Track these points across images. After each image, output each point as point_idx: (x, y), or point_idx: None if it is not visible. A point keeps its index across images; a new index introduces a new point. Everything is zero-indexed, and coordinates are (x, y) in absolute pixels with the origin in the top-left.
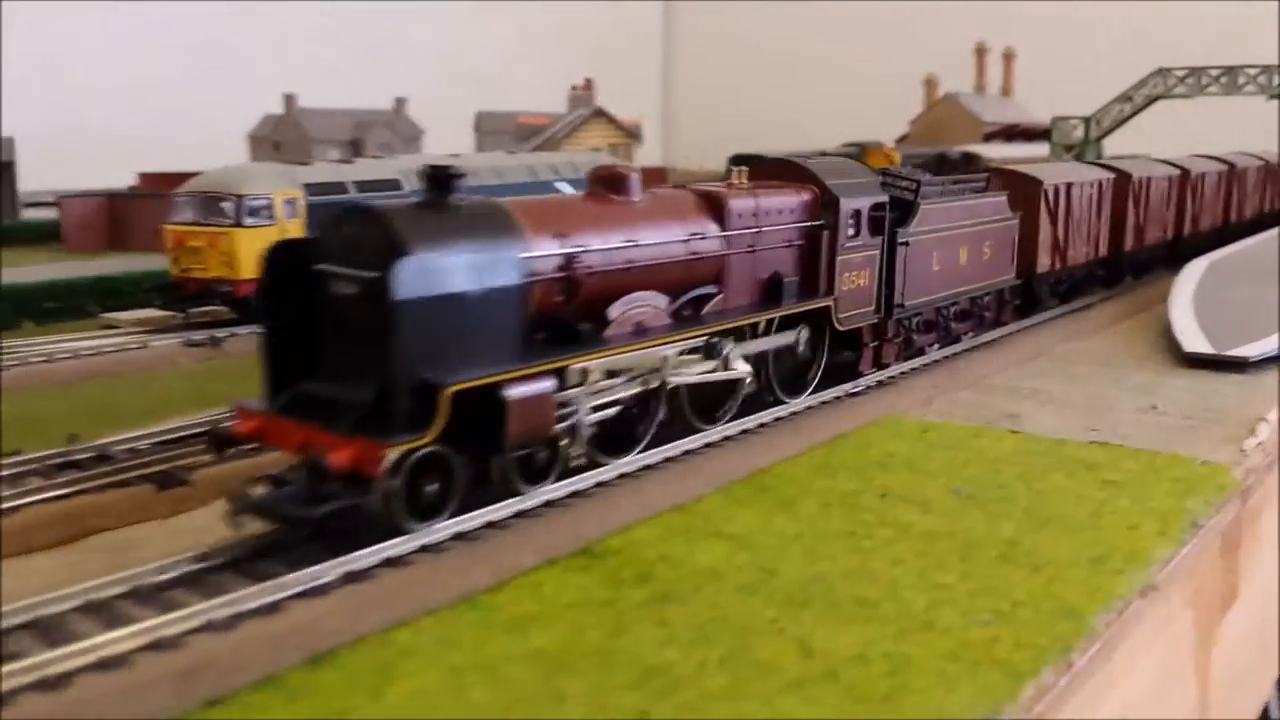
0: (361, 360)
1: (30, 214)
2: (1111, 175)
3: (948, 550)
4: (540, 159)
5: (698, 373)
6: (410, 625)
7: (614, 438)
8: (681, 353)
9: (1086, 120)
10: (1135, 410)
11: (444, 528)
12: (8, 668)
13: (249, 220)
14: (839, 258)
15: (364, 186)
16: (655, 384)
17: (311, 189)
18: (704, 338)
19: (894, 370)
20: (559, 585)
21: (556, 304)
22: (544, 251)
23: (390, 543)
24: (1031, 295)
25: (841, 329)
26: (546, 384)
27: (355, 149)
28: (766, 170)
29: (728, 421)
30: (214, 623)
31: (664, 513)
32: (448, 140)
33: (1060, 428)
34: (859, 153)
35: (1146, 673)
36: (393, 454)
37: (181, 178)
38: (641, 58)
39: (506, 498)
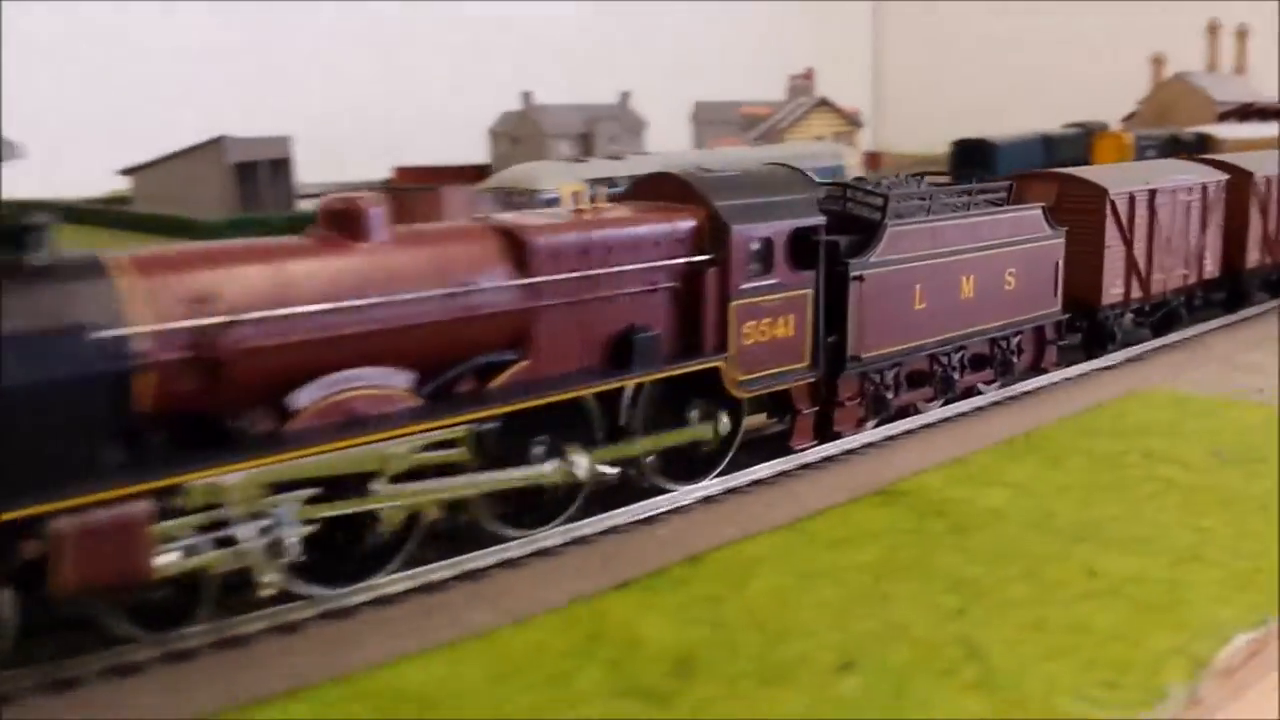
0: None
1: (304, 205)
2: (1222, 176)
3: (1209, 501)
4: (780, 151)
5: (464, 482)
6: (754, 540)
7: (353, 560)
8: (428, 447)
9: None
10: None
11: (769, 466)
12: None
13: None
14: (734, 303)
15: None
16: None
17: (593, 184)
18: (463, 426)
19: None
20: (866, 516)
21: (190, 394)
22: (156, 326)
23: (734, 474)
24: (1099, 331)
25: (744, 395)
26: (133, 509)
27: (586, 142)
28: (651, 188)
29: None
30: (619, 527)
31: (945, 464)
32: (669, 132)
33: None
34: (1083, 134)
35: None
36: None
37: (431, 171)
38: (851, 41)
39: None
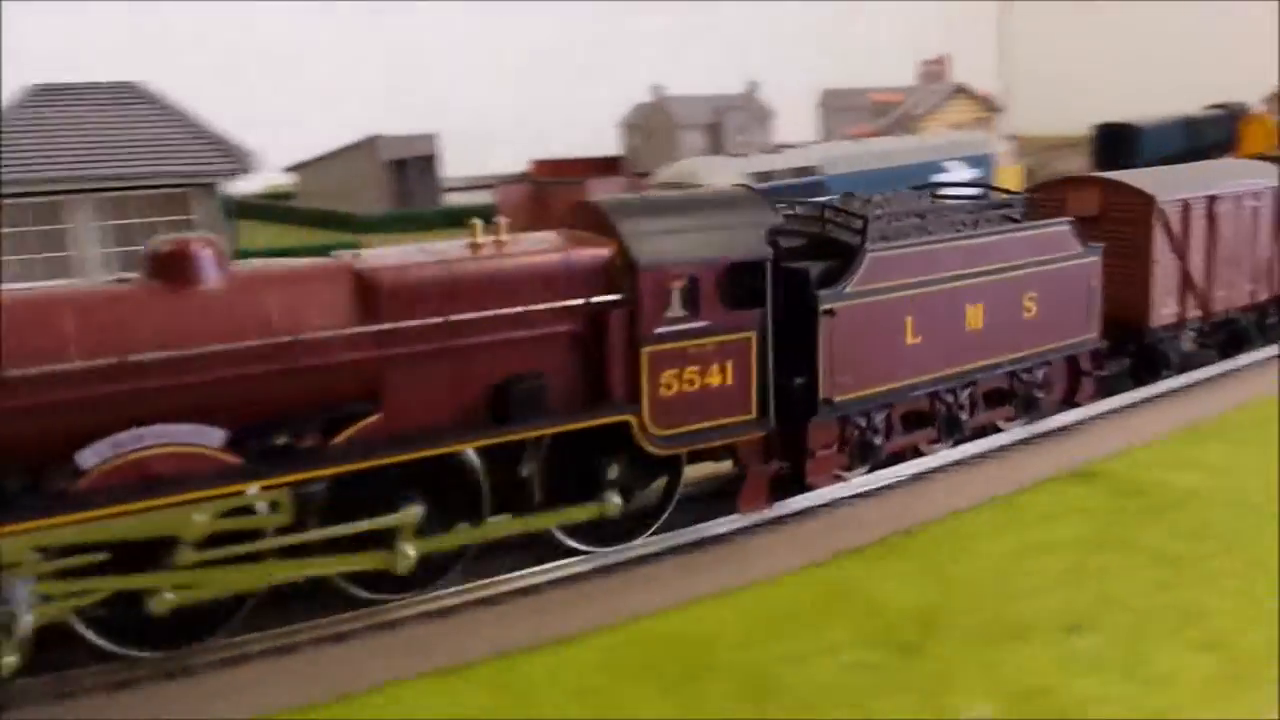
0: None
1: (449, 199)
2: None
3: None
4: (929, 141)
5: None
6: (966, 515)
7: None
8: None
9: None
10: None
11: (974, 445)
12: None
13: None
14: (647, 349)
15: (794, 173)
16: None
17: (754, 177)
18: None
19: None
20: (1069, 495)
21: None
22: None
23: (944, 453)
24: (1150, 355)
25: (661, 453)
26: None
27: (714, 133)
28: (581, 214)
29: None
30: (839, 499)
31: (1134, 448)
32: (796, 121)
33: None
34: (1227, 117)
35: None
36: None
37: (566, 164)
38: (977, 24)
39: None
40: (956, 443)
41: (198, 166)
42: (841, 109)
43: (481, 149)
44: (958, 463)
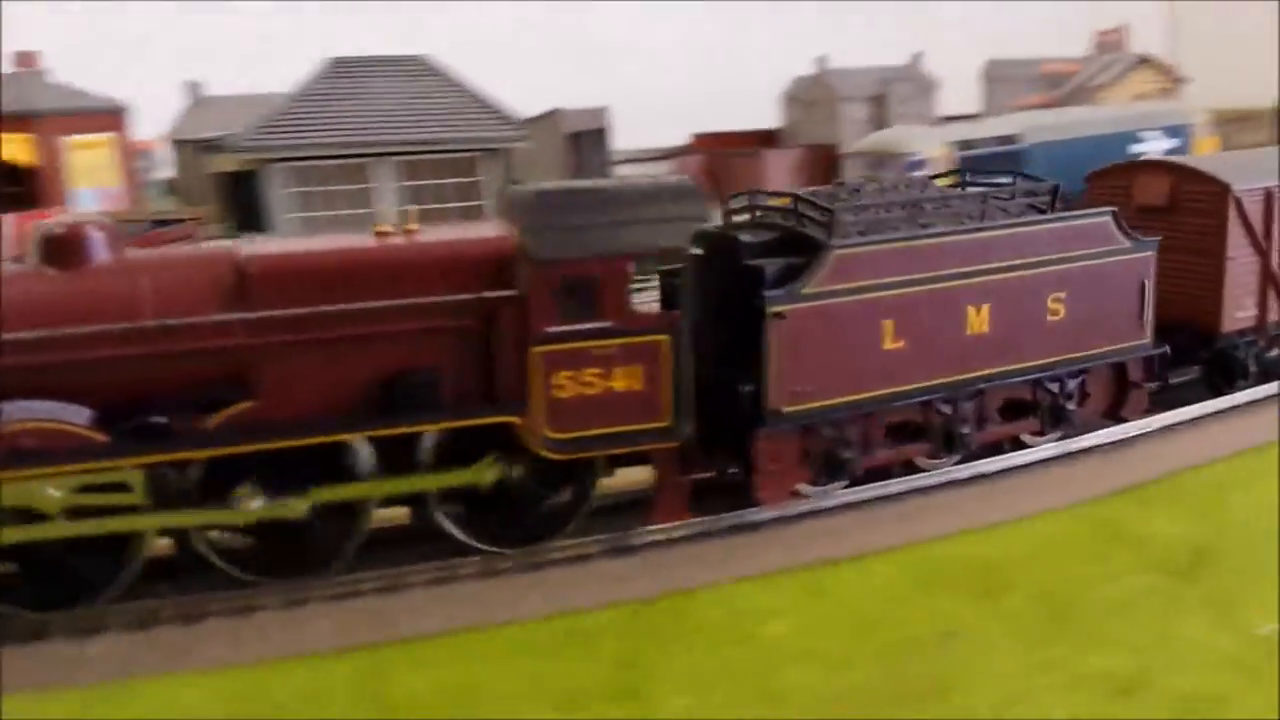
0: None
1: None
2: None
3: None
4: (1128, 111)
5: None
6: (1223, 462)
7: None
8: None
9: None
10: None
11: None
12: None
13: (913, 175)
14: (539, 348)
15: (996, 142)
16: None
17: (958, 145)
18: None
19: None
20: None
21: None
22: None
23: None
24: (1226, 363)
25: (556, 457)
26: None
27: (878, 105)
28: (501, 205)
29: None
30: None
31: None
32: (961, 92)
33: None
34: None
35: None
36: None
37: (727, 137)
38: None
39: None
40: (964, 459)
41: (484, 133)
42: (1006, 80)
43: (645, 122)
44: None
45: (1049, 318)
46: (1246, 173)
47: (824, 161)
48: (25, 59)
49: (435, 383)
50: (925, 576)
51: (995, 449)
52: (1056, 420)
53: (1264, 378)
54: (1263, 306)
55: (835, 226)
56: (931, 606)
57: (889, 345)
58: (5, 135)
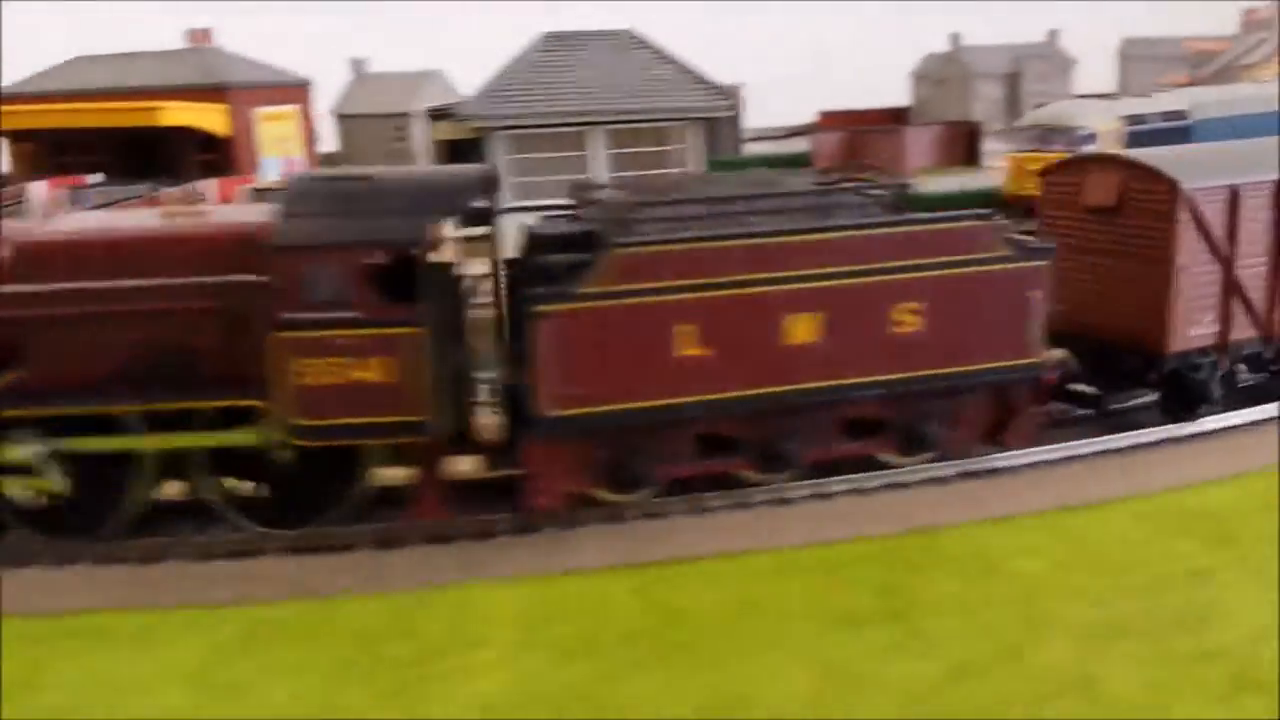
0: None
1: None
2: None
3: None
4: None
5: None
6: None
7: None
8: None
9: None
10: None
11: None
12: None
13: (1083, 147)
14: (281, 334)
15: (1164, 117)
16: None
17: (1127, 120)
18: None
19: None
20: None
21: None
22: None
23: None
24: (1184, 387)
25: (302, 444)
26: None
27: (1012, 82)
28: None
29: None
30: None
31: None
32: (1096, 70)
33: None
34: None
35: None
36: None
37: (853, 115)
38: None
39: None
40: (803, 476)
41: (691, 104)
42: (1144, 58)
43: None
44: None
45: (895, 330)
46: (1206, 169)
47: (962, 138)
48: (199, 36)
49: (187, 363)
50: (1160, 524)
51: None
52: (913, 442)
53: (1244, 402)
54: (1225, 322)
55: (621, 225)
56: (1172, 550)
57: (687, 352)
58: (202, 105)
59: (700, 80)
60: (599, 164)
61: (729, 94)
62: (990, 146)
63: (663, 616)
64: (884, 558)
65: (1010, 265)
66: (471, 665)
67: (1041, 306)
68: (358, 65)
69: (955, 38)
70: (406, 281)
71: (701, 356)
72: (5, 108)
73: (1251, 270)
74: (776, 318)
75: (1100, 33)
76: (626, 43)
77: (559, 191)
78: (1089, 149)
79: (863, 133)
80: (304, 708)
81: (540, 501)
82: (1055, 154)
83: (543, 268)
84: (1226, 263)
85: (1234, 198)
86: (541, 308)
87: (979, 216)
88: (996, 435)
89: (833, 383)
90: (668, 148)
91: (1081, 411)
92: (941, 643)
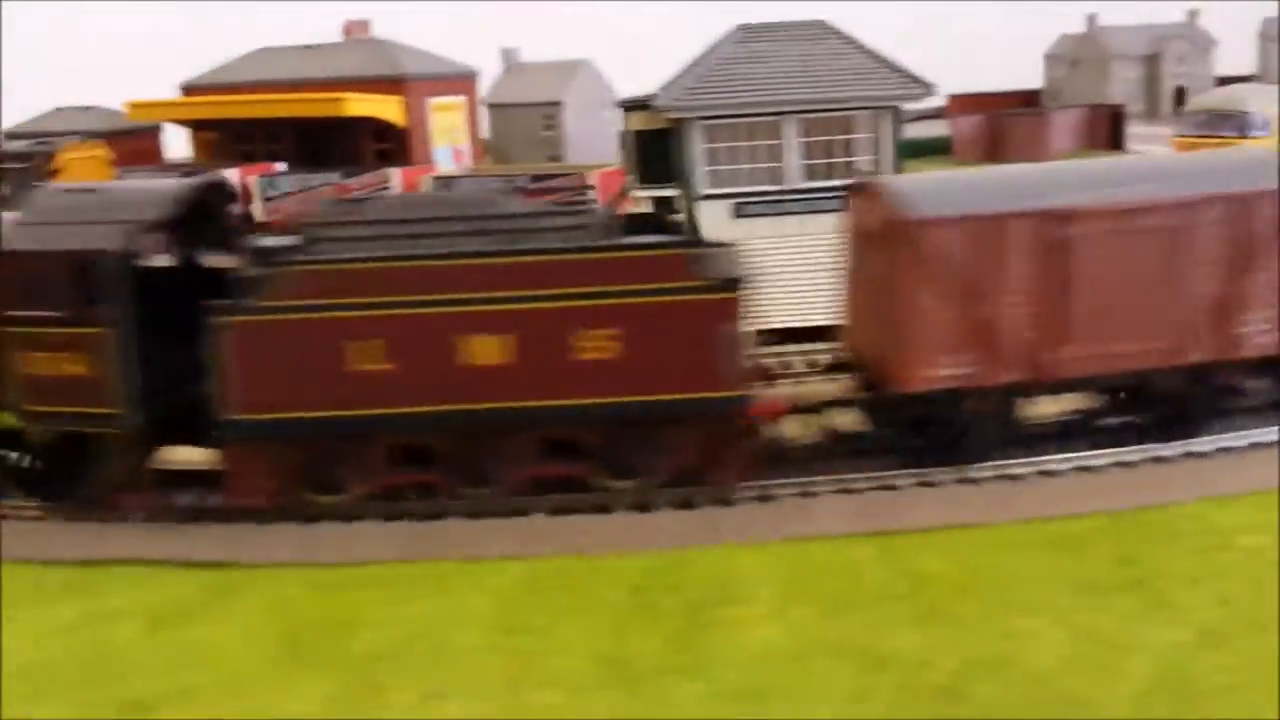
0: None
1: None
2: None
3: None
4: None
5: None
6: None
7: None
8: None
9: None
10: None
11: None
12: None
13: (1254, 132)
14: (13, 329)
15: None
16: None
17: None
18: None
19: None
20: None
21: None
22: None
23: None
24: (941, 429)
25: (27, 427)
26: None
27: (1151, 64)
28: None
29: None
30: None
31: None
32: (1239, 51)
33: None
34: None
35: None
36: None
37: (983, 98)
38: None
39: None
40: (510, 494)
41: (882, 91)
42: None
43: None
44: None
45: (584, 356)
46: (969, 196)
47: (1105, 121)
48: (357, 27)
49: None
50: None
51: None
52: (617, 470)
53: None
54: (990, 360)
55: (310, 243)
56: None
57: (364, 367)
58: (382, 96)
59: (893, 68)
60: (792, 152)
61: (923, 82)
62: (1133, 130)
63: (912, 581)
64: (1113, 532)
65: (698, 296)
66: (744, 617)
67: (736, 339)
68: (508, 55)
69: (1092, 18)
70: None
71: (382, 372)
72: (197, 98)
73: (1013, 304)
74: (457, 338)
75: (1241, 12)
76: (819, 32)
77: (753, 179)
78: (1260, 135)
79: (1004, 116)
80: (598, 645)
81: (241, 496)
82: (1225, 138)
83: (235, 279)
84: (981, 296)
85: (991, 229)
86: (221, 318)
87: (672, 245)
88: (708, 468)
89: (522, 404)
90: (860, 136)
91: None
92: (1188, 611)
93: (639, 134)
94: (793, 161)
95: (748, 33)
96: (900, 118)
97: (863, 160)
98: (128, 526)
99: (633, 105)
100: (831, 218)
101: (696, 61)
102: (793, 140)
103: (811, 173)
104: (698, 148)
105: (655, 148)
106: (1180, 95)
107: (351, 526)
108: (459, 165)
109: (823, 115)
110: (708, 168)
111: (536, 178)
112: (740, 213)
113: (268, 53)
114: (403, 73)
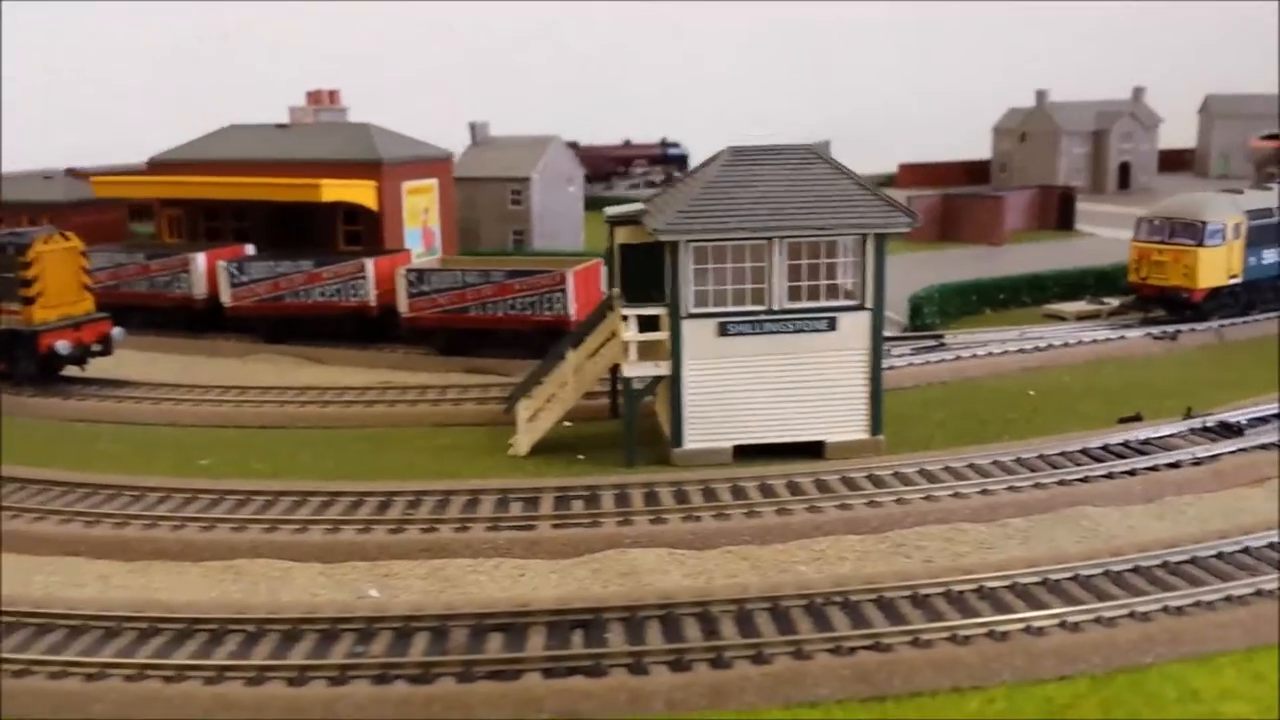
0: None
1: None
2: None
3: None
4: None
5: None
6: None
7: None
8: None
9: None
10: None
11: None
12: None
13: (1210, 241)
14: None
15: None
16: None
17: (1250, 214)
18: None
19: None
20: None
21: None
22: None
23: None
24: None
25: None
26: None
27: (1098, 140)
28: None
29: None
30: None
31: None
32: (1181, 128)
33: None
34: None
35: None
36: None
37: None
38: None
39: None
40: None
41: (867, 220)
42: (1226, 115)
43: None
44: None
45: None
46: None
47: (1056, 203)
48: (324, 97)
49: None
50: None
51: None
52: None
53: None
54: None
55: None
56: None
57: None
58: (358, 181)
59: (879, 196)
60: (777, 274)
61: (909, 211)
62: (1082, 207)
63: None
64: (1099, 700)
65: None
66: None
67: None
68: (478, 129)
69: (1041, 94)
70: None
71: None
72: (167, 177)
73: None
74: None
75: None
76: (807, 157)
77: (738, 299)
78: (1214, 245)
79: (959, 196)
80: None
81: None
82: (1188, 247)
83: None
84: None
85: None
86: None
87: None
88: None
89: None
90: (847, 260)
91: None
92: None
93: (624, 248)
94: (778, 283)
95: (737, 155)
96: (884, 244)
97: (847, 283)
98: None
99: (620, 220)
100: (815, 337)
101: (688, 182)
102: (779, 263)
103: (796, 294)
104: (688, 269)
105: (641, 263)
106: (1125, 171)
107: None
108: (428, 247)
109: (809, 239)
110: (695, 287)
111: (512, 274)
112: (725, 331)
113: (239, 130)
114: (379, 157)
